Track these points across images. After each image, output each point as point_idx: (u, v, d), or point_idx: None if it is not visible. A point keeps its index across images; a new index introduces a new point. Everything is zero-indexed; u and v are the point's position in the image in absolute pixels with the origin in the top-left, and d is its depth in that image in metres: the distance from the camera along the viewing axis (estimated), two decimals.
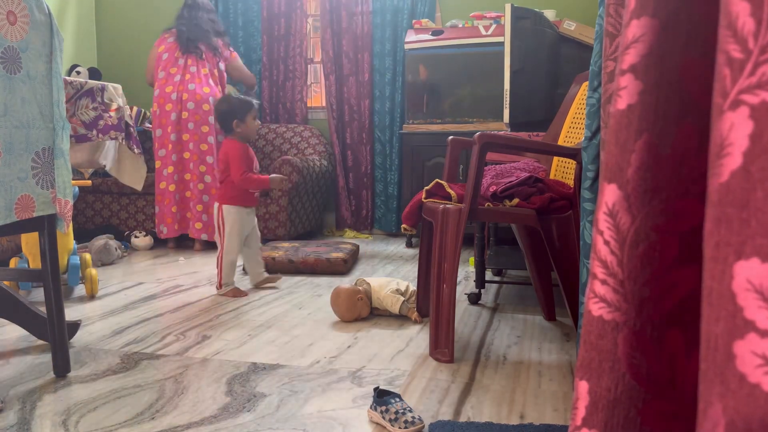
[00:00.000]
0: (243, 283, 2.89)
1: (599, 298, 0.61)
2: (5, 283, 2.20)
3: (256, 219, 2.84)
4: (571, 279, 1.94)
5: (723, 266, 0.42)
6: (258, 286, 2.84)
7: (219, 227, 2.71)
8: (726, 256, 0.42)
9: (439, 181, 2.10)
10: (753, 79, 0.41)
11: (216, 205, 2.73)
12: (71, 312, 2.39)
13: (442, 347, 1.85)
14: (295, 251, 3.29)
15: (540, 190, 2.02)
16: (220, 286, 2.69)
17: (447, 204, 1.97)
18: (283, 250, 3.33)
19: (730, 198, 0.42)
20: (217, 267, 2.69)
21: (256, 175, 2.73)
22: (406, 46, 4.07)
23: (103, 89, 1.92)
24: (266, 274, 2.89)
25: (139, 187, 2.72)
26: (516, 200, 1.96)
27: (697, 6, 0.57)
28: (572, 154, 1.99)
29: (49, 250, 1.67)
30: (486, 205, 1.97)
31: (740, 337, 0.40)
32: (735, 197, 0.42)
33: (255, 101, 2.80)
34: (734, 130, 0.42)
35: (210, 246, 3.88)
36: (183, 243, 4.01)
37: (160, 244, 4.02)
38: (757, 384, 0.38)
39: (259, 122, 2.87)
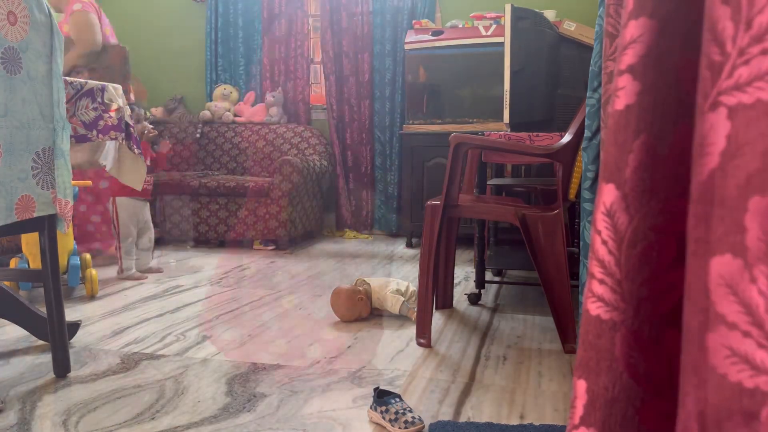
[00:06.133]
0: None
1: (597, 297, 0.61)
2: (5, 283, 2.20)
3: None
4: (553, 278, 1.94)
5: (701, 261, 0.44)
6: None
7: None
8: (704, 252, 0.44)
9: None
10: (731, 81, 0.43)
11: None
12: (71, 312, 2.39)
13: (421, 334, 2.03)
14: None
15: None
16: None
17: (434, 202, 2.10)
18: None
19: (708, 196, 0.44)
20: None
21: None
22: (406, 47, 4.07)
23: (103, 89, 1.92)
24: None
25: (138, 187, 2.71)
26: None
27: (694, 7, 0.57)
28: (546, 154, 2.01)
29: (49, 250, 1.67)
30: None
31: (712, 330, 0.42)
32: (712, 195, 0.44)
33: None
34: (713, 131, 0.43)
35: (202, 245, 3.88)
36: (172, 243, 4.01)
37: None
38: (725, 375, 0.40)
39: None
